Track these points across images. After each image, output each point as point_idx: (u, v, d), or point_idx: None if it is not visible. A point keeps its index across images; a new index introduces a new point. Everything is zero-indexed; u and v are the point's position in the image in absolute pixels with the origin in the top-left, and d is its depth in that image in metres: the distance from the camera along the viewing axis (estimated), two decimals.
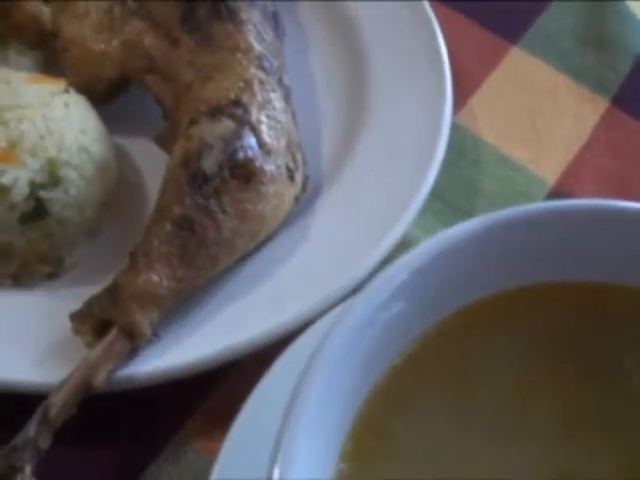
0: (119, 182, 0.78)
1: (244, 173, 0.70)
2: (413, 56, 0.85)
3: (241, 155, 0.71)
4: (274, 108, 0.75)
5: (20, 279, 0.73)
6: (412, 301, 0.51)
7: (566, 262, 0.53)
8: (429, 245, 0.51)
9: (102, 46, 0.79)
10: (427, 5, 0.87)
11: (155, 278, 0.67)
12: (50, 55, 0.84)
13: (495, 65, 0.92)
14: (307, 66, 0.87)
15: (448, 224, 0.81)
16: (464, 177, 0.84)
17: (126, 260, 0.74)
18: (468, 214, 0.82)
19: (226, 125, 0.72)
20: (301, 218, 0.76)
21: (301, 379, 0.46)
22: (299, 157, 0.75)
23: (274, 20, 0.81)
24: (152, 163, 0.80)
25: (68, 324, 0.68)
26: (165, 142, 0.77)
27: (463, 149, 0.85)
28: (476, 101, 0.89)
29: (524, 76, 0.92)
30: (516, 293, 0.53)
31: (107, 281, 0.73)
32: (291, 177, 0.73)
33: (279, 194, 0.72)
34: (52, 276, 0.74)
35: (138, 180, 0.80)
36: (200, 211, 0.69)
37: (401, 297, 0.50)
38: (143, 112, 0.83)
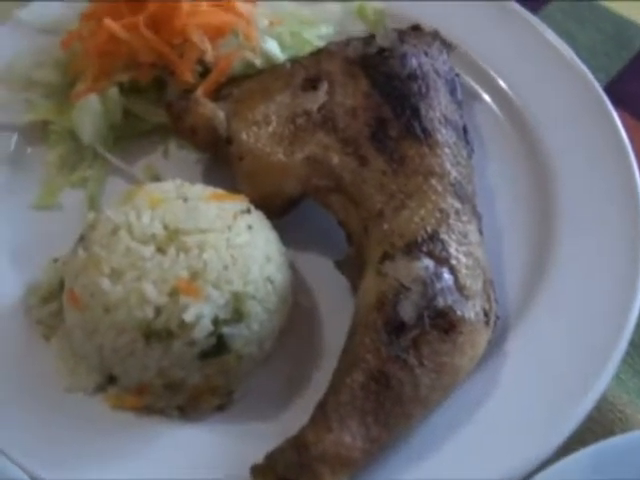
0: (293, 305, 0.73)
1: (444, 323, 0.65)
2: (605, 181, 0.78)
3: (441, 302, 0.65)
4: (470, 243, 0.69)
5: (187, 411, 0.68)
6: None
7: None
8: None
9: (282, 158, 0.73)
10: (620, 126, 0.81)
11: (347, 438, 0.61)
12: (218, 158, 0.79)
13: None
14: (488, 184, 0.81)
15: (636, 369, 0.75)
16: None
17: (296, 390, 0.70)
18: None
19: (424, 264, 0.66)
20: (490, 362, 0.69)
21: None
22: (492, 296, 0.69)
23: (465, 137, 0.76)
24: (326, 284, 0.75)
25: (238, 467, 0.63)
26: (347, 269, 0.72)
27: None
28: None
29: None
30: None
31: (278, 414, 0.69)
32: (487, 322, 0.67)
33: (476, 344, 0.66)
34: (221, 408, 0.69)
35: (310, 303, 0.75)
36: (397, 364, 0.63)
37: None
38: (317, 226, 0.78)
